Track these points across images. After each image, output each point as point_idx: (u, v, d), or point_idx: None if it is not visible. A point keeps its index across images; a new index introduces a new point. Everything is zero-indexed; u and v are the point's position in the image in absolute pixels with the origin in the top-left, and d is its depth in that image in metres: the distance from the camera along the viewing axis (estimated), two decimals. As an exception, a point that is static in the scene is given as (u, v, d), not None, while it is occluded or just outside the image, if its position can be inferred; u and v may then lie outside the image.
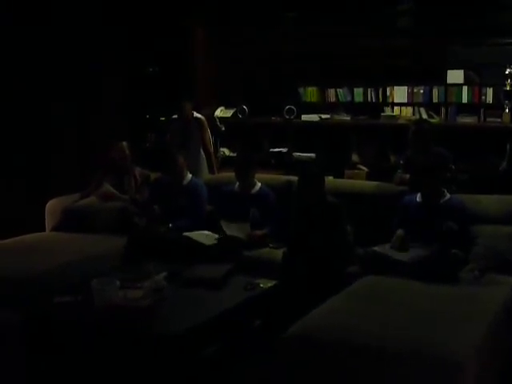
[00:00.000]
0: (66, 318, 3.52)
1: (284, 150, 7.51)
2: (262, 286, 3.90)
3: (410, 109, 7.01)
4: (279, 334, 3.22)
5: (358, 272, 4.11)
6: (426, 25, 6.81)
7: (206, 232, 4.88)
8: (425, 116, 6.79)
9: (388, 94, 7.09)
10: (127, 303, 3.52)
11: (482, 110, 6.64)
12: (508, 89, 6.41)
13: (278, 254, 4.53)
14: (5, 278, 4.24)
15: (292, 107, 7.35)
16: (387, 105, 7.12)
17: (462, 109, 6.74)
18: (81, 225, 5.16)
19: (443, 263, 3.91)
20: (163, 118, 7.68)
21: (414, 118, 6.75)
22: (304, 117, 7.43)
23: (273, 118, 7.60)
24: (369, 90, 7.19)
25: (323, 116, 7.37)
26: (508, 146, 6.29)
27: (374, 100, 7.20)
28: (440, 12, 6.64)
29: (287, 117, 7.38)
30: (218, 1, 7.39)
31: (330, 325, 3.21)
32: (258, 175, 5.16)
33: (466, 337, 3.02)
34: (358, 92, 7.25)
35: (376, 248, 4.20)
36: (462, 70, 6.67)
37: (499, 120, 6.52)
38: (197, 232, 4.85)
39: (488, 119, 6.61)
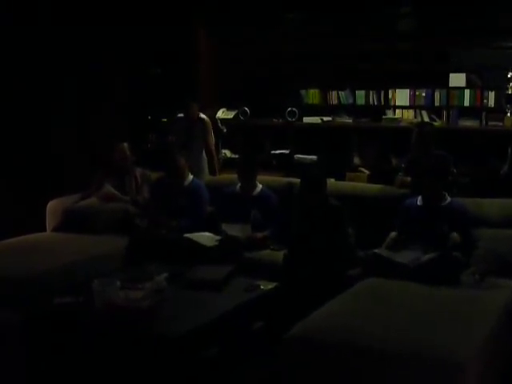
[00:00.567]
0: (66, 318, 3.52)
1: (285, 151, 7.51)
2: (262, 287, 3.90)
3: (411, 112, 7.01)
4: (280, 336, 3.21)
5: (360, 274, 4.11)
6: (428, 28, 6.81)
7: (207, 233, 4.88)
8: (426, 119, 6.80)
9: (390, 96, 7.09)
10: (128, 304, 3.51)
11: (483, 114, 6.64)
12: (510, 92, 6.41)
13: (279, 255, 4.53)
14: (5, 278, 4.24)
15: (294, 109, 7.35)
16: (389, 108, 7.12)
17: (464, 112, 6.74)
18: (81, 225, 5.15)
19: (444, 266, 3.90)
20: (165, 119, 7.69)
21: (415, 121, 6.75)
22: (306, 119, 7.43)
23: (274, 119, 7.60)
24: (371, 92, 7.19)
25: (325, 118, 7.37)
26: (509, 150, 6.27)
27: (375, 103, 7.20)
28: (442, 15, 6.64)
29: (289, 119, 7.38)
30: (220, 2, 7.39)
31: (331, 327, 3.21)
32: (259, 177, 5.16)
33: (467, 339, 3.02)
34: (360, 94, 7.25)
35: (377, 250, 4.20)
36: (464, 74, 6.67)
37: (501, 124, 6.52)
38: (198, 233, 4.85)
39: (490, 123, 6.61)
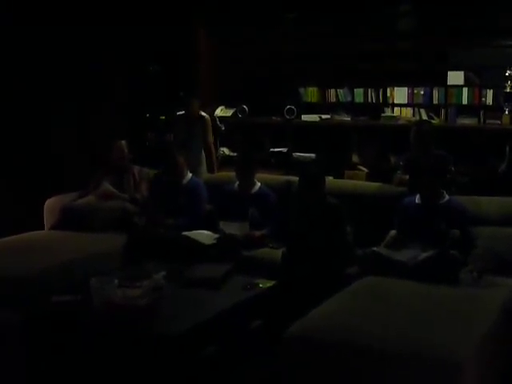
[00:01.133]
0: (64, 317, 3.52)
1: (284, 150, 7.51)
2: (261, 286, 3.90)
3: (410, 110, 7.02)
4: (278, 335, 3.21)
5: (358, 272, 4.11)
6: (426, 26, 6.81)
7: (206, 232, 4.87)
8: (425, 117, 6.80)
9: (388, 94, 7.09)
10: (126, 302, 3.51)
11: (481, 112, 6.65)
12: (508, 91, 6.41)
13: (278, 254, 4.53)
14: (3, 276, 4.23)
15: (292, 107, 7.34)
16: (387, 106, 7.12)
17: (462, 110, 6.75)
18: (80, 224, 5.15)
19: (442, 264, 3.91)
20: (163, 117, 7.68)
21: (414, 119, 6.76)
22: (304, 117, 7.43)
23: (273, 117, 7.59)
24: (369, 90, 7.19)
25: (323, 116, 7.36)
26: (507, 148, 6.30)
27: (374, 101, 7.20)
28: (441, 13, 6.64)
29: (287, 117, 7.37)
30: (219, 1, 7.39)
31: (329, 326, 3.21)
32: (257, 175, 5.16)
33: (465, 338, 3.02)
34: (359, 92, 7.25)
35: (375, 248, 4.19)
36: (463, 72, 6.67)
37: (499, 122, 6.52)
38: (196, 231, 4.85)
39: (488, 121, 6.61)
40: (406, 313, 3.33)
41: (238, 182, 5.12)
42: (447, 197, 4.37)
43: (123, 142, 5.60)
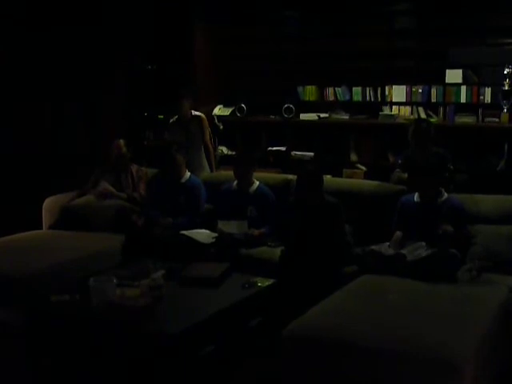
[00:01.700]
0: (63, 316, 3.52)
1: (282, 148, 7.51)
2: (259, 284, 3.90)
3: (408, 108, 7.00)
4: (277, 333, 3.21)
5: (356, 271, 4.12)
6: (424, 24, 6.81)
7: (204, 230, 4.87)
8: (423, 115, 6.79)
9: (386, 93, 7.08)
10: (125, 301, 3.51)
11: (480, 110, 6.63)
12: (506, 88, 6.40)
13: (276, 252, 4.53)
14: (2, 276, 4.23)
15: (290, 106, 7.34)
16: (386, 104, 7.10)
17: (461, 108, 6.74)
18: (78, 223, 5.15)
19: (441, 263, 3.91)
20: (161, 116, 7.67)
21: (412, 117, 6.75)
22: (302, 115, 7.42)
23: (271, 116, 7.59)
24: (367, 89, 7.18)
25: (322, 115, 7.36)
26: (506, 146, 6.30)
27: (372, 99, 7.19)
28: (439, 12, 6.64)
29: (286, 115, 7.37)
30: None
31: (327, 324, 3.22)
32: (256, 174, 5.15)
33: (463, 338, 3.02)
34: (357, 91, 7.24)
35: (374, 247, 4.19)
36: (461, 70, 6.66)
37: (497, 120, 6.51)
38: (195, 230, 4.85)
39: (486, 119, 6.60)
40: (404, 311, 3.33)
41: (236, 181, 5.12)
42: (446, 195, 4.37)
43: (122, 140, 5.59)
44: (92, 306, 3.48)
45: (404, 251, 4.04)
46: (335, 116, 7.34)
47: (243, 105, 7.56)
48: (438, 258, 3.94)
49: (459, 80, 6.69)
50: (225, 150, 7.70)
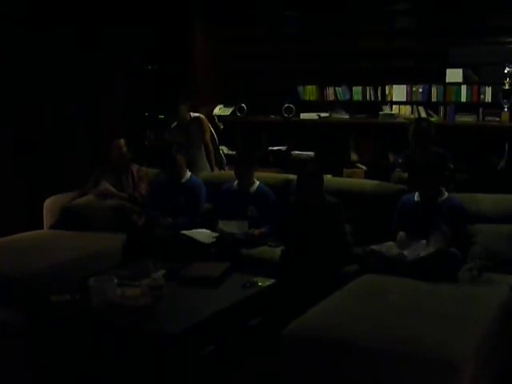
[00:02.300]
0: (64, 316, 3.52)
1: (282, 148, 7.51)
2: (260, 284, 3.91)
3: (408, 107, 7.00)
4: (277, 333, 3.22)
5: (356, 271, 4.11)
6: (424, 24, 6.80)
7: (205, 230, 4.88)
8: (423, 115, 6.78)
9: (387, 92, 7.08)
10: (125, 301, 3.51)
11: (480, 109, 6.63)
12: (507, 88, 6.40)
13: (277, 252, 4.53)
14: (3, 276, 4.23)
15: (291, 105, 7.34)
16: (386, 103, 7.10)
17: (461, 108, 6.73)
18: (79, 223, 5.15)
19: (441, 262, 3.91)
20: (162, 116, 7.68)
21: (412, 116, 6.75)
22: (303, 115, 7.42)
23: (271, 116, 7.59)
24: (368, 88, 7.17)
25: (322, 114, 7.36)
26: (506, 145, 6.30)
27: (372, 98, 7.18)
28: (439, 11, 6.63)
29: (286, 115, 7.37)
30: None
31: (327, 324, 3.22)
32: (256, 173, 5.16)
33: (463, 337, 3.02)
34: (357, 90, 7.24)
35: (374, 247, 4.19)
36: (461, 69, 6.66)
37: (498, 119, 6.51)
38: (195, 230, 4.85)
39: (487, 118, 6.60)
40: (404, 311, 3.33)
41: (236, 181, 5.12)
42: (446, 194, 4.37)
43: (122, 140, 5.59)
44: (92, 306, 3.49)
45: (406, 251, 4.03)
46: (335, 115, 7.34)
47: (243, 105, 7.56)
48: (438, 257, 3.94)
49: (459, 79, 6.69)
50: (225, 149, 7.69)
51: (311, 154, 7.30)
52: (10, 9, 6.03)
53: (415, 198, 4.40)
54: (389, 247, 4.17)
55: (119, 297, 3.54)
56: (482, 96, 6.63)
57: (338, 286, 3.75)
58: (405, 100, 7.00)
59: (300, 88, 7.52)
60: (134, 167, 5.61)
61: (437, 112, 6.84)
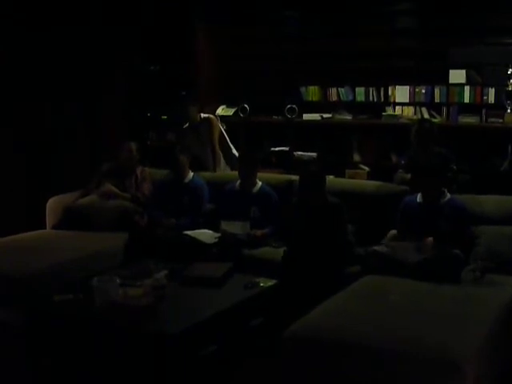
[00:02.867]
0: (66, 315, 3.52)
1: (285, 148, 7.50)
2: (262, 284, 3.91)
3: (411, 108, 6.98)
4: (279, 334, 3.21)
5: (359, 271, 4.11)
6: (427, 24, 6.79)
7: (207, 231, 4.88)
8: (426, 116, 6.77)
9: (390, 93, 7.07)
10: (128, 301, 3.52)
11: (483, 110, 6.62)
12: (510, 89, 6.38)
13: (279, 253, 4.53)
14: (4, 276, 4.24)
15: (293, 106, 7.33)
16: (389, 104, 7.09)
17: (464, 109, 6.72)
18: (81, 223, 5.16)
19: (444, 263, 3.90)
20: (164, 117, 7.68)
21: (415, 117, 6.74)
22: (305, 116, 7.41)
23: (274, 116, 7.58)
24: (370, 89, 7.16)
25: (325, 115, 7.35)
26: (510, 147, 6.29)
27: (375, 99, 7.18)
28: (442, 11, 6.62)
29: (288, 116, 7.36)
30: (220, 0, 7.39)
31: (329, 325, 3.21)
32: (259, 174, 5.15)
33: (466, 338, 3.01)
34: (360, 91, 7.23)
35: (376, 247, 4.19)
36: (464, 70, 6.65)
37: (501, 120, 6.50)
38: (198, 231, 4.86)
39: (490, 119, 6.58)
40: (407, 312, 3.33)
41: (239, 181, 5.12)
42: (449, 196, 4.36)
43: (133, 143, 5.60)
44: (95, 306, 3.49)
45: (405, 258, 4.01)
46: (338, 116, 7.33)
47: (246, 105, 7.56)
48: (441, 259, 3.93)
49: (463, 80, 6.68)
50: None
51: (314, 154, 7.29)
52: (10, 9, 6.04)
53: (418, 199, 4.39)
54: (391, 248, 4.16)
55: (122, 297, 3.54)
56: (485, 97, 6.61)
57: (340, 287, 3.74)
58: (408, 101, 6.99)
59: (303, 89, 7.52)
60: (138, 168, 5.62)
61: (440, 113, 6.83)
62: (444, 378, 2.84)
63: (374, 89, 7.14)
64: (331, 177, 5.66)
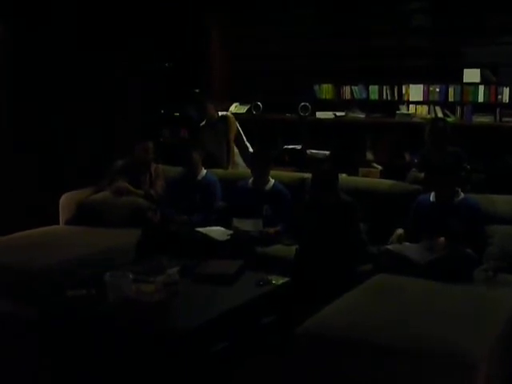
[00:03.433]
0: (79, 311, 3.54)
1: (298, 146, 7.49)
2: (274, 282, 3.91)
3: (425, 107, 6.96)
4: (291, 332, 3.22)
5: (371, 270, 4.10)
6: (442, 23, 6.76)
7: (219, 228, 4.89)
8: (440, 115, 6.74)
9: (403, 92, 7.04)
10: (140, 297, 3.53)
11: (498, 110, 6.59)
12: (525, 88, 6.36)
13: (291, 250, 4.53)
14: (18, 271, 4.27)
15: (307, 104, 7.32)
16: (402, 103, 7.07)
17: (478, 108, 6.69)
18: (94, 219, 5.18)
19: (457, 263, 3.89)
20: (177, 114, 7.70)
21: (429, 116, 6.71)
22: (318, 114, 7.41)
23: (287, 114, 7.58)
24: (384, 87, 7.14)
25: (338, 113, 7.34)
26: (524, 146, 6.25)
27: (389, 98, 7.15)
28: (456, 10, 6.59)
29: (302, 114, 7.35)
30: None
31: (341, 323, 3.21)
32: (271, 172, 5.15)
33: (478, 337, 3.00)
34: (374, 90, 7.21)
35: (389, 246, 4.18)
36: (479, 69, 6.62)
37: (515, 120, 6.47)
38: (210, 228, 4.87)
39: (504, 119, 6.55)
40: (419, 311, 3.32)
41: (252, 179, 5.13)
42: (462, 195, 4.34)
43: (150, 143, 5.62)
44: (108, 301, 3.51)
45: (417, 258, 4.00)
46: (352, 114, 7.32)
47: (259, 103, 7.56)
48: (453, 258, 3.92)
49: (477, 79, 6.65)
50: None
51: (327, 152, 7.28)
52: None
53: (431, 199, 4.38)
54: (404, 247, 4.16)
55: (134, 292, 3.56)
56: (499, 96, 6.58)
57: (352, 285, 3.74)
58: (422, 100, 6.97)
59: (316, 87, 7.51)
60: (152, 166, 5.63)
61: (454, 112, 6.80)
62: (456, 377, 2.84)
63: (387, 87, 7.12)
64: (344, 175, 5.65)
